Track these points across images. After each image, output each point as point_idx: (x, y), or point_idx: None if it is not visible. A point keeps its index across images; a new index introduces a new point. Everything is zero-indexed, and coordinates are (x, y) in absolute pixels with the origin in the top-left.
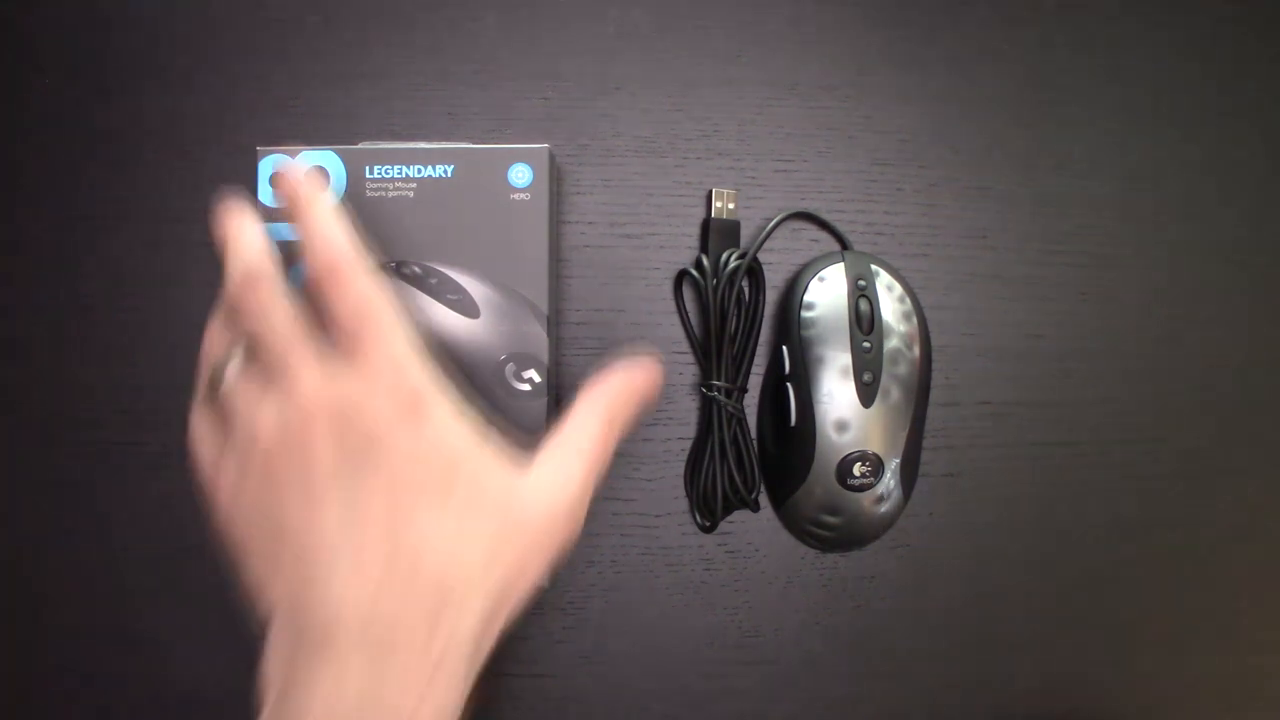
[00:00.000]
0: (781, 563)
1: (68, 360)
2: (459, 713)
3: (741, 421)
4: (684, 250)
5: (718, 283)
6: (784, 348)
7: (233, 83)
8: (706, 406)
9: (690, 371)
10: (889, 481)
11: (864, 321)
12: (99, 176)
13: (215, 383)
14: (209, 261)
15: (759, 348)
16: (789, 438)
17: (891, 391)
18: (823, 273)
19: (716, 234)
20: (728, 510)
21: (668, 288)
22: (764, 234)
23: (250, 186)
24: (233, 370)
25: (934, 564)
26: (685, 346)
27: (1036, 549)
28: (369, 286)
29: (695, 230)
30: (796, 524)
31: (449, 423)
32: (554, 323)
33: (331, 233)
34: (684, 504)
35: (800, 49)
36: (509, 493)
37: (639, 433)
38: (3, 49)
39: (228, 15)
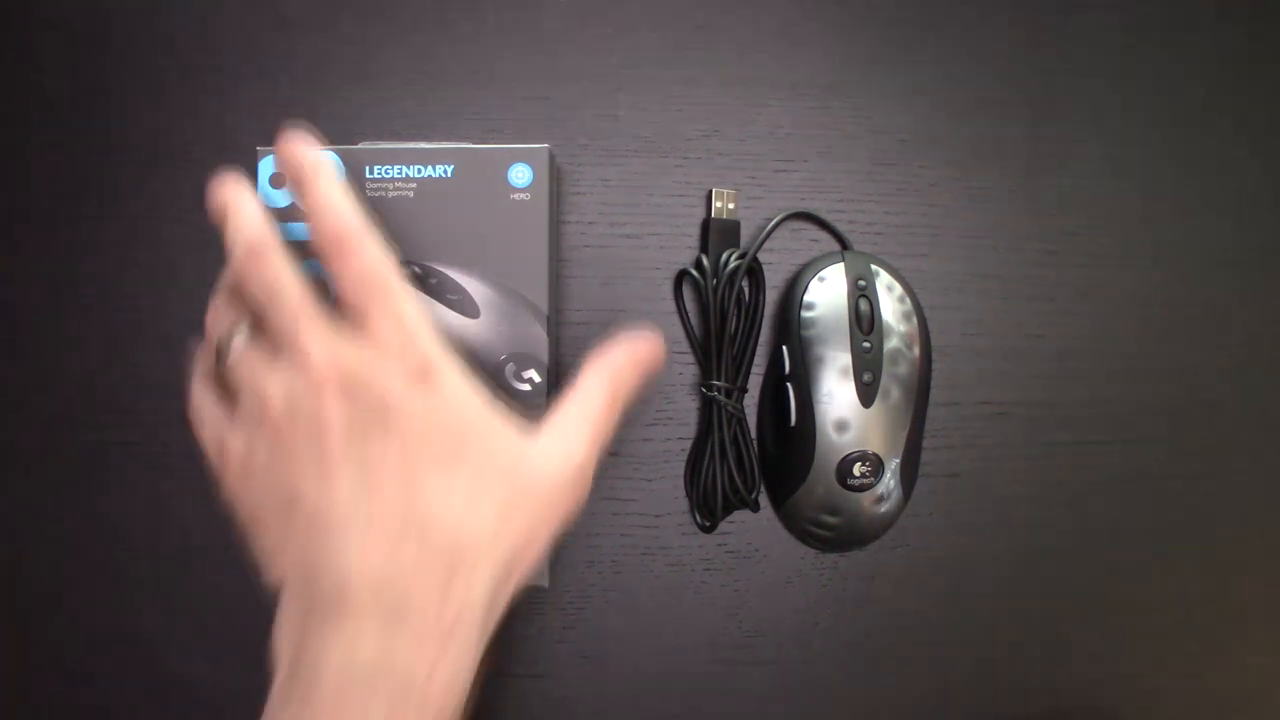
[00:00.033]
0: (781, 563)
1: (68, 360)
2: (472, 677)
3: (741, 421)
4: (684, 250)
5: (718, 283)
6: (784, 348)
7: (233, 83)
8: (706, 406)
9: (690, 371)
10: (889, 481)
11: (864, 321)
12: (99, 177)
13: (222, 355)
14: (209, 261)
15: (759, 348)
16: (789, 438)
17: (891, 391)
18: (823, 273)
19: (716, 234)
20: (728, 510)
21: (668, 288)
22: (764, 234)
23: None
24: (239, 343)
25: (934, 564)
26: (685, 346)
27: (1036, 549)
28: (376, 255)
29: (695, 230)
30: (796, 524)
31: (459, 389)
32: (554, 323)
33: (337, 203)
34: (684, 504)
35: (800, 49)
36: (518, 459)
37: (639, 433)
38: (3, 49)
39: (227, 15)
